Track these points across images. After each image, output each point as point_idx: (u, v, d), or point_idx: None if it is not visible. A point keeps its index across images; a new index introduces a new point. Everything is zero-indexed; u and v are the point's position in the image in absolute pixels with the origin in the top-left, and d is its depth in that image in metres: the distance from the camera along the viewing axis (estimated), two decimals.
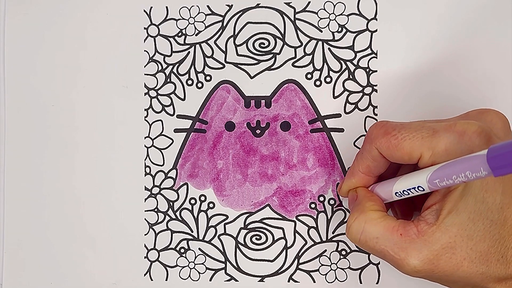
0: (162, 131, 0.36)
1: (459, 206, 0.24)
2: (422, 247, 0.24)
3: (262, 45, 0.35)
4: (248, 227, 0.35)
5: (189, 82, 0.35)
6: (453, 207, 0.24)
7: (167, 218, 0.35)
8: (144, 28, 0.36)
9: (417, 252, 0.24)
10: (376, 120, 0.34)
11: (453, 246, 0.24)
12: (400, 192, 0.27)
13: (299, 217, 0.35)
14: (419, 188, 0.25)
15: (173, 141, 0.36)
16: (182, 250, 0.35)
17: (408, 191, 0.26)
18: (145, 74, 0.36)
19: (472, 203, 0.24)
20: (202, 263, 0.35)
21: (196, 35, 0.35)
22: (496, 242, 0.24)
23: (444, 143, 0.24)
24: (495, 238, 0.24)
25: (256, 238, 0.35)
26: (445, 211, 0.24)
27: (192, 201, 0.35)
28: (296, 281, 0.34)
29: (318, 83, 0.34)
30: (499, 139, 0.25)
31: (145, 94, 0.36)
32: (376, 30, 0.34)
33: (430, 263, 0.24)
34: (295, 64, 0.35)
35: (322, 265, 0.34)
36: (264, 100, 0.35)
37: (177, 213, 0.35)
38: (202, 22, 0.35)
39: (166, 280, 0.35)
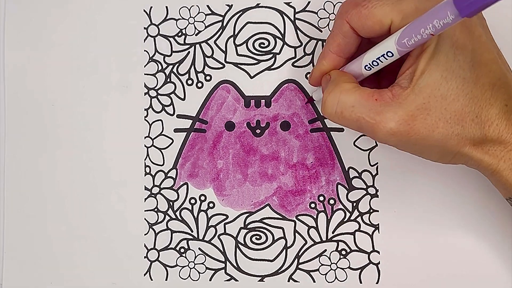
0: (162, 131, 0.36)
1: (431, 64, 0.24)
2: (397, 109, 0.24)
3: (262, 45, 0.35)
4: (248, 227, 0.35)
5: (189, 82, 0.35)
6: (425, 66, 0.24)
7: (167, 218, 0.35)
8: (144, 28, 0.36)
9: (392, 113, 0.24)
10: None
11: (427, 107, 0.24)
12: (369, 64, 0.26)
13: (299, 217, 0.35)
14: (389, 53, 0.25)
15: (173, 141, 0.36)
16: (182, 250, 0.35)
17: (378, 60, 0.26)
18: (145, 74, 0.36)
19: (444, 61, 0.24)
20: (202, 263, 0.35)
21: (196, 35, 0.35)
22: (470, 101, 0.24)
23: (413, 2, 0.24)
24: (468, 96, 0.24)
25: (256, 238, 0.35)
26: (418, 72, 0.25)
27: (192, 201, 0.35)
28: (296, 281, 0.34)
29: None
30: None
31: (145, 94, 0.36)
32: None
33: (405, 124, 0.24)
34: (295, 64, 0.35)
35: (322, 265, 0.34)
36: (264, 100, 0.35)
37: (177, 213, 0.35)
38: (202, 22, 0.35)
39: (166, 280, 0.35)
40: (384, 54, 0.25)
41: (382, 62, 0.26)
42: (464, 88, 0.24)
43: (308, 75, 0.34)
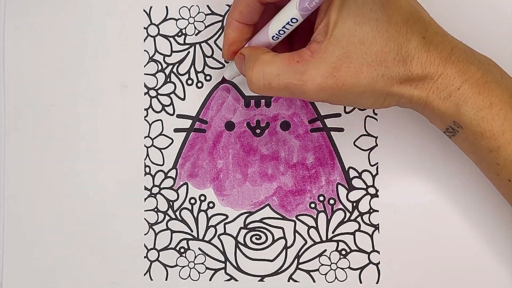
0: (162, 131, 0.36)
1: (343, 14, 0.25)
2: (319, 64, 0.25)
3: None
4: (248, 226, 0.35)
5: (189, 81, 0.35)
6: (337, 17, 0.25)
7: (167, 217, 0.35)
8: (144, 27, 0.36)
9: (315, 70, 0.25)
10: (376, 120, 0.34)
11: (348, 56, 0.25)
12: (276, 34, 0.27)
13: (299, 217, 0.35)
14: (293, 20, 0.26)
15: (173, 141, 0.36)
16: (182, 250, 0.35)
17: (284, 29, 0.26)
18: (145, 74, 0.36)
19: (354, 8, 0.25)
20: (202, 263, 0.35)
21: (196, 34, 0.35)
22: (387, 40, 0.25)
23: None
24: (385, 36, 0.25)
25: (256, 238, 0.35)
26: (331, 24, 0.25)
27: (192, 201, 0.35)
28: (296, 281, 0.34)
29: None
30: None
31: (145, 93, 0.36)
32: None
33: (331, 77, 0.25)
34: None
35: (322, 264, 0.34)
36: (264, 100, 0.35)
37: (177, 213, 0.35)
38: (202, 21, 0.35)
39: (166, 280, 0.35)
40: (288, 22, 0.26)
41: (288, 29, 0.26)
42: (379, 30, 0.25)
43: None
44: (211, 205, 0.35)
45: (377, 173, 0.34)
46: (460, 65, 0.25)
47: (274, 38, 0.27)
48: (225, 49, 0.30)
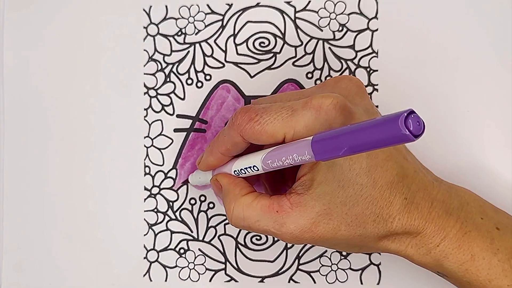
0: (161, 131, 0.35)
1: (328, 176, 0.25)
2: (298, 217, 0.25)
3: (262, 44, 0.35)
4: None
5: (189, 81, 0.35)
6: (321, 178, 0.25)
7: (167, 218, 0.35)
8: (144, 27, 0.36)
9: (295, 224, 0.25)
10: None
11: (328, 213, 0.25)
12: (238, 170, 0.27)
13: None
14: (254, 167, 0.26)
15: (172, 141, 0.35)
16: (182, 251, 0.35)
17: (245, 170, 0.27)
18: (144, 74, 0.36)
19: (339, 172, 0.25)
20: (202, 264, 0.35)
21: (196, 34, 0.35)
22: (369, 204, 0.25)
23: (303, 121, 0.24)
24: (367, 200, 0.25)
25: (256, 239, 0.35)
26: (315, 183, 0.25)
27: (192, 201, 0.35)
28: (297, 282, 0.34)
29: (318, 82, 0.34)
30: (356, 105, 0.25)
31: (145, 93, 0.36)
32: (377, 29, 0.34)
33: (309, 231, 0.25)
34: (296, 63, 0.34)
35: (323, 265, 0.34)
36: None
37: (177, 213, 0.35)
38: (202, 21, 0.35)
39: (166, 280, 0.35)
40: (250, 167, 0.26)
41: (249, 172, 0.27)
42: (362, 194, 0.25)
43: (307, 75, 0.34)
44: (211, 205, 0.35)
45: None
46: (439, 221, 0.25)
47: (235, 172, 0.28)
48: (202, 168, 0.30)
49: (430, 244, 0.25)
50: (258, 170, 0.26)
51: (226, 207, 0.28)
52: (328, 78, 0.27)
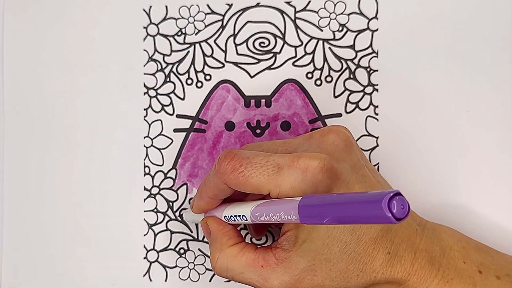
0: (161, 131, 0.35)
1: (312, 235, 0.25)
2: (283, 274, 0.25)
3: (262, 44, 0.35)
4: None
5: (189, 81, 0.35)
6: (306, 236, 0.25)
7: (167, 218, 0.35)
8: (144, 27, 0.36)
9: (279, 280, 0.25)
10: (377, 120, 0.34)
11: (313, 269, 0.25)
12: (228, 217, 0.28)
13: None
14: (243, 217, 0.26)
15: (172, 141, 0.35)
16: (182, 251, 0.35)
17: (235, 217, 0.27)
18: (144, 74, 0.36)
19: (324, 232, 0.25)
20: (202, 264, 0.35)
21: (195, 34, 0.35)
22: (353, 260, 0.25)
23: (289, 181, 0.24)
24: (351, 256, 0.25)
25: (256, 239, 0.35)
26: (300, 239, 0.25)
27: None
28: None
29: (318, 82, 0.34)
30: (343, 161, 0.25)
31: (145, 93, 0.36)
32: (377, 29, 0.34)
33: (293, 287, 0.25)
34: (296, 63, 0.34)
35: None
36: (264, 100, 0.35)
37: (177, 214, 0.35)
38: (202, 21, 0.35)
39: (166, 280, 0.35)
40: (240, 216, 0.27)
41: (238, 221, 0.27)
42: (346, 250, 0.25)
43: (307, 75, 0.34)
44: None
45: None
46: (422, 272, 0.26)
47: (225, 218, 0.28)
48: (194, 209, 0.30)
49: None
50: (247, 220, 0.26)
51: (211, 255, 0.28)
52: (315, 130, 0.27)
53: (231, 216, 0.27)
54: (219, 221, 0.29)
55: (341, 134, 0.26)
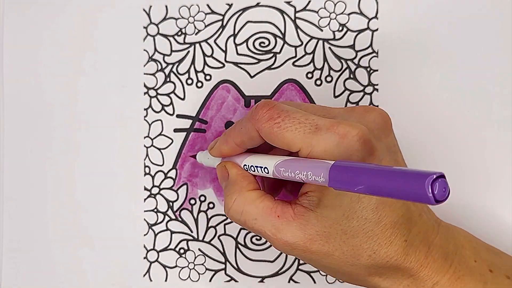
0: (161, 131, 0.35)
1: (335, 203, 0.24)
2: (297, 229, 0.25)
3: (262, 44, 0.35)
4: None
5: (189, 81, 0.35)
6: (328, 202, 0.25)
7: (167, 218, 0.35)
8: (144, 27, 0.36)
9: (291, 234, 0.25)
10: None
11: (327, 235, 0.25)
12: (248, 166, 0.27)
13: None
14: (265, 169, 0.26)
15: (172, 141, 0.35)
16: (182, 251, 0.35)
17: (256, 168, 0.27)
18: (144, 74, 0.36)
19: (347, 203, 0.24)
20: (202, 264, 0.35)
21: (196, 34, 0.35)
22: (369, 238, 0.25)
23: (324, 143, 0.24)
24: (368, 234, 0.24)
25: (256, 239, 0.35)
26: (322, 203, 0.25)
27: (192, 201, 0.35)
28: (297, 282, 0.34)
29: (318, 82, 0.34)
30: (380, 140, 0.25)
31: (145, 93, 0.36)
32: (377, 29, 0.34)
33: (303, 245, 0.25)
34: (296, 63, 0.34)
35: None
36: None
37: (177, 214, 0.35)
38: (202, 21, 0.35)
39: (166, 280, 0.35)
40: (262, 167, 0.26)
41: (259, 172, 0.27)
42: (365, 227, 0.24)
43: (307, 75, 0.34)
44: (211, 205, 0.35)
45: None
46: (434, 265, 0.25)
47: (245, 167, 0.28)
48: (214, 152, 0.29)
49: (422, 287, 0.25)
50: (268, 173, 0.26)
51: (227, 197, 0.27)
52: (358, 106, 0.27)
53: (252, 166, 0.27)
54: (239, 167, 0.28)
55: (383, 115, 0.26)
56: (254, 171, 0.27)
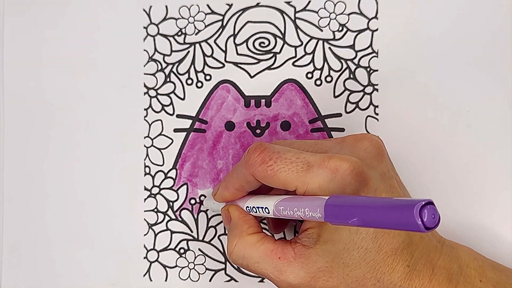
0: (161, 131, 0.35)
1: (334, 237, 0.25)
2: (299, 269, 0.25)
3: (262, 45, 0.35)
4: None
5: (189, 81, 0.35)
6: (328, 237, 0.25)
7: (167, 218, 0.35)
8: (144, 27, 0.36)
9: (294, 275, 0.25)
10: (377, 120, 0.34)
11: (330, 270, 0.25)
12: (250, 207, 0.28)
13: None
14: (266, 209, 0.26)
15: (172, 141, 0.35)
16: (182, 251, 0.35)
17: (257, 209, 0.27)
18: (144, 74, 0.36)
19: (346, 235, 0.24)
20: (202, 264, 0.35)
21: (196, 34, 0.35)
22: (371, 268, 0.25)
23: (317, 180, 0.24)
24: (370, 264, 0.25)
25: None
26: (321, 239, 0.25)
27: (192, 201, 0.35)
28: None
29: (318, 82, 0.34)
30: (373, 168, 0.25)
31: (145, 93, 0.36)
32: (377, 29, 0.34)
33: (307, 284, 0.25)
34: (296, 63, 0.34)
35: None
36: (264, 100, 0.35)
37: (177, 213, 0.35)
38: (202, 21, 0.35)
39: (166, 280, 0.35)
40: (263, 208, 0.27)
41: (260, 213, 0.27)
42: (366, 258, 0.25)
43: (307, 75, 0.34)
44: None
45: None
46: None
47: (247, 209, 0.28)
48: (217, 198, 0.30)
49: None
50: (269, 213, 0.26)
51: (229, 242, 0.28)
52: (348, 135, 0.27)
53: (253, 207, 0.27)
54: (241, 210, 0.29)
55: (374, 142, 0.26)
56: (256, 212, 0.27)
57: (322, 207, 0.22)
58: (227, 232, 0.29)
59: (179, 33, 0.35)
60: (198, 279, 0.35)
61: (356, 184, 0.24)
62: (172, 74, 0.35)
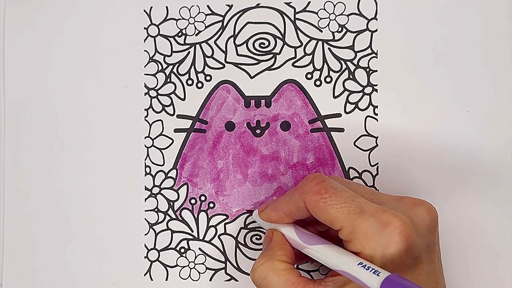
0: (162, 131, 0.36)
1: None
2: None
3: (262, 45, 0.35)
4: (248, 227, 0.35)
5: (189, 82, 0.35)
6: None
7: (167, 218, 0.35)
8: (144, 28, 0.36)
9: None
10: (377, 120, 0.34)
11: None
12: (313, 256, 0.27)
13: None
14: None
15: (173, 141, 0.36)
16: (182, 250, 0.35)
17: (321, 262, 0.27)
18: (145, 74, 0.36)
19: None
20: (202, 263, 0.35)
21: (196, 35, 0.35)
22: None
23: (366, 226, 0.24)
24: None
25: (256, 238, 0.35)
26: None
27: (192, 201, 0.35)
28: None
29: (318, 83, 0.34)
30: (422, 236, 0.25)
31: (145, 94, 0.36)
32: (376, 30, 0.34)
33: None
34: (295, 64, 0.35)
35: (322, 264, 0.34)
36: (264, 100, 0.35)
37: (177, 213, 0.35)
38: (202, 22, 0.35)
39: (166, 280, 0.35)
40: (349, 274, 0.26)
41: (310, 253, 0.27)
42: None
43: (307, 75, 0.34)
44: (211, 205, 0.35)
45: (377, 174, 0.34)
46: None
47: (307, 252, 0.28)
48: (263, 216, 0.30)
49: None
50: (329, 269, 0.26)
51: (258, 259, 0.28)
52: (407, 196, 0.27)
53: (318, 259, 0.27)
54: (284, 238, 0.29)
55: (431, 212, 0.26)
56: (315, 261, 0.27)
57: (378, 284, 0.22)
58: (262, 249, 0.29)
59: (180, 34, 0.36)
60: (199, 278, 0.35)
61: (401, 244, 0.24)
62: (172, 75, 0.36)
